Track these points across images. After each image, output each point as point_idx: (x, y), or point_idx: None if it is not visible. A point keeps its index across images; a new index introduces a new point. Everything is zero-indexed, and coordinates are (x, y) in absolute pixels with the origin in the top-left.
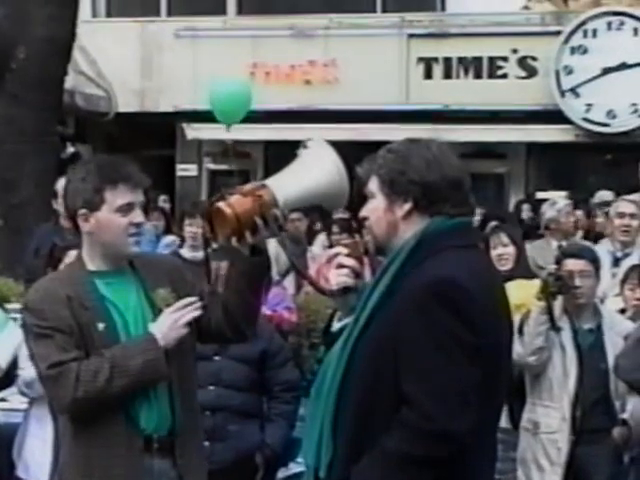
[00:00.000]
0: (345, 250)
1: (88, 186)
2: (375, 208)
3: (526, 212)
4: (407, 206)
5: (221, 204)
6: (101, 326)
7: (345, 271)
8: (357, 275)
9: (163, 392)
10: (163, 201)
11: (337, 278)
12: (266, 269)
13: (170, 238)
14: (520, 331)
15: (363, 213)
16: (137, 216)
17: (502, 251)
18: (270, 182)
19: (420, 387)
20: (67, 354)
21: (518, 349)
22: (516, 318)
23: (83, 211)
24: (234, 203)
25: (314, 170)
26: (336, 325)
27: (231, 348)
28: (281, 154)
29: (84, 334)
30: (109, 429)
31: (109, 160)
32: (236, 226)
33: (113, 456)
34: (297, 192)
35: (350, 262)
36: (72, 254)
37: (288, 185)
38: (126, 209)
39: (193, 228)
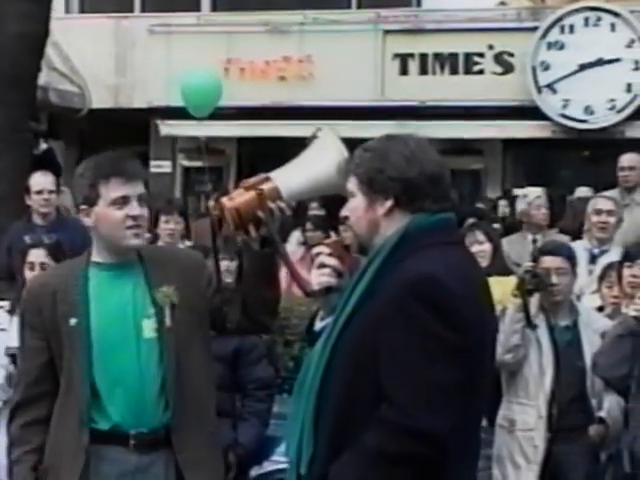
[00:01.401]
0: (327, 249)
1: (85, 182)
2: (355, 207)
3: (503, 208)
4: (388, 204)
5: (223, 199)
6: (72, 321)
7: (327, 271)
8: (339, 275)
9: (150, 390)
10: None
11: (319, 278)
12: (274, 261)
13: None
14: None
15: (344, 212)
16: (133, 208)
17: (478, 249)
18: (274, 174)
19: (399, 385)
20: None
21: None
22: None
23: (84, 207)
24: (235, 197)
25: (319, 161)
26: (319, 324)
27: None
28: (255, 151)
29: (55, 329)
30: (61, 424)
31: (107, 156)
32: (238, 220)
33: (62, 452)
34: (301, 183)
35: (332, 261)
36: (35, 253)
37: (292, 177)
38: (121, 202)
39: (170, 225)
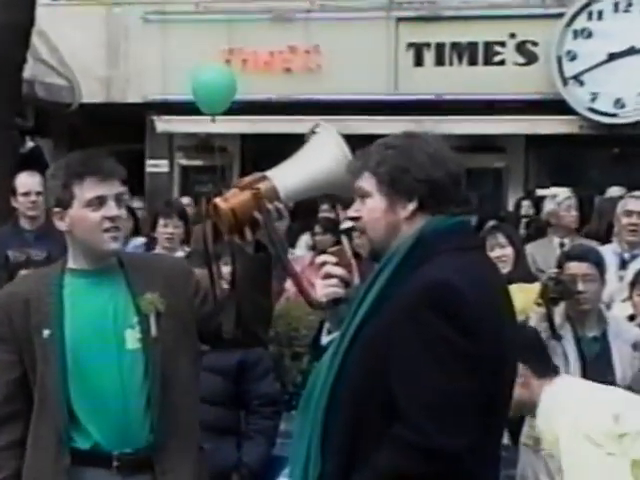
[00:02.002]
0: (333, 258)
1: (57, 183)
2: (372, 209)
3: (526, 210)
4: (411, 206)
5: (217, 200)
6: (46, 333)
7: (334, 281)
8: (347, 284)
9: (134, 406)
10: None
11: (325, 289)
12: (269, 266)
13: (139, 240)
14: None
15: (354, 213)
16: (110, 209)
17: (499, 253)
18: (271, 173)
19: (413, 401)
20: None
21: None
22: None
23: (57, 210)
24: (230, 197)
25: (318, 157)
26: (325, 338)
27: (205, 358)
28: (259, 148)
29: (28, 340)
30: (37, 445)
31: (80, 154)
32: (233, 222)
33: (41, 475)
34: (299, 182)
35: (339, 271)
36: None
37: (290, 175)
38: (97, 203)
39: (169, 229)
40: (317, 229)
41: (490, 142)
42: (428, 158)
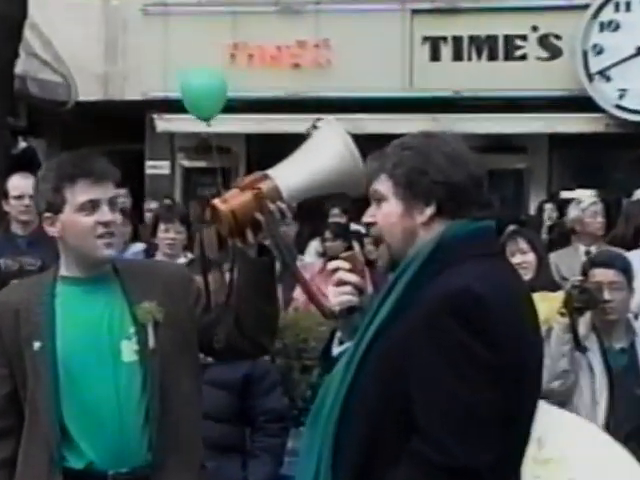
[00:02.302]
0: (346, 264)
1: (48, 186)
2: (388, 213)
3: (549, 213)
4: (429, 211)
5: (216, 201)
6: (36, 345)
7: (347, 288)
8: (360, 292)
9: (131, 422)
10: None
11: (339, 297)
12: (273, 270)
13: (139, 246)
14: None
15: (369, 218)
16: (104, 214)
17: (520, 259)
18: (272, 172)
19: (433, 415)
20: None
21: None
22: None
23: (47, 215)
24: (229, 199)
25: (322, 154)
26: (337, 349)
27: (208, 372)
28: (266, 149)
29: (18, 354)
30: (28, 464)
31: (71, 155)
32: (233, 224)
33: None
34: (303, 181)
35: (352, 278)
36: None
37: (292, 174)
38: (90, 207)
39: (170, 234)
40: (327, 235)
41: (511, 142)
42: (447, 159)
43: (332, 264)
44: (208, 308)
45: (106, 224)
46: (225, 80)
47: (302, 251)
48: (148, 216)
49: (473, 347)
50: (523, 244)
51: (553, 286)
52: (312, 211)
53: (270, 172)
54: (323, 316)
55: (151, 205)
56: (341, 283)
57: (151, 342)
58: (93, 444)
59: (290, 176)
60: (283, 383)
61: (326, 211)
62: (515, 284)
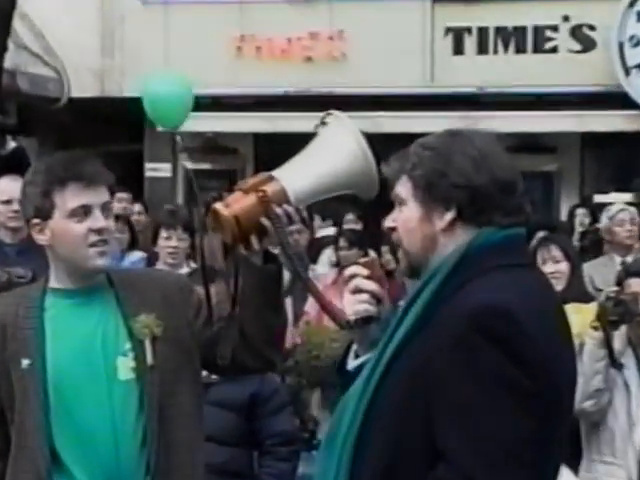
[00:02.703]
0: (365, 271)
1: (36, 190)
2: (407, 218)
3: (581, 219)
4: (449, 215)
5: (218, 205)
6: (25, 363)
7: (365, 297)
8: (379, 301)
9: (127, 445)
10: (118, 201)
11: (356, 306)
12: (279, 279)
13: (137, 254)
14: None
15: (390, 223)
16: (97, 221)
17: (552, 268)
18: (278, 173)
19: (460, 441)
20: None
21: None
22: None
23: (36, 221)
24: (232, 202)
25: (331, 152)
26: (352, 363)
27: (212, 391)
28: (275, 149)
29: (5, 372)
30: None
31: (61, 156)
32: (237, 230)
33: None
34: (311, 182)
35: (371, 286)
36: None
37: (300, 174)
38: (81, 213)
39: (172, 242)
40: (341, 243)
41: (540, 141)
42: (470, 161)
43: (349, 270)
44: (210, 321)
45: (99, 231)
46: (190, 85)
47: (314, 260)
48: (139, 220)
49: (505, 370)
50: (556, 252)
51: (586, 297)
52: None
53: (276, 173)
54: (337, 326)
55: (136, 208)
56: (358, 291)
57: (149, 359)
58: (86, 469)
59: (297, 177)
60: (294, 403)
61: (340, 217)
62: (548, 298)
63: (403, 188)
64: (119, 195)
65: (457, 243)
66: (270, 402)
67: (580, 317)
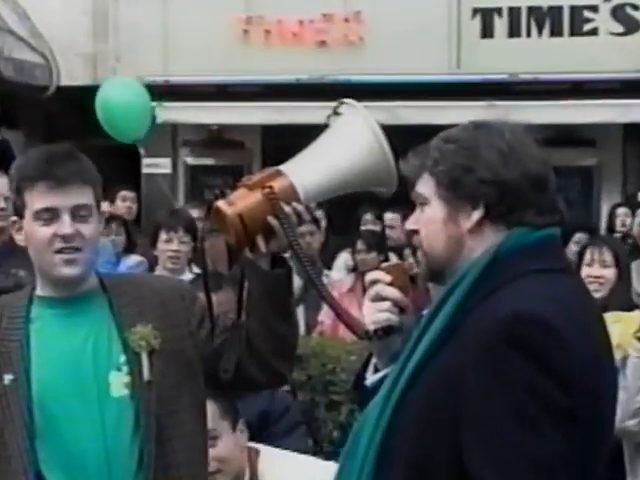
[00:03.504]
0: (387, 277)
1: (12, 185)
2: (430, 219)
3: (623, 219)
4: (476, 215)
5: (220, 203)
6: (7, 378)
7: (387, 305)
8: (401, 310)
9: (121, 468)
10: (122, 200)
11: (376, 315)
12: (289, 285)
13: (135, 259)
14: None
15: (411, 225)
16: (63, 226)
17: (599, 272)
18: (286, 167)
19: (490, 462)
20: None
21: None
22: None
23: (14, 219)
24: (236, 200)
25: (344, 145)
26: (372, 378)
27: None
28: (285, 143)
29: None
30: None
31: (39, 151)
32: (241, 231)
33: None
34: (323, 178)
35: (394, 293)
36: None
37: (310, 169)
38: (47, 217)
39: (173, 245)
40: (359, 245)
41: (578, 134)
42: (498, 154)
43: (370, 275)
44: (213, 333)
45: (66, 237)
46: (147, 95)
47: (329, 265)
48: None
49: (542, 386)
50: (607, 255)
51: (630, 304)
52: (341, 217)
53: (283, 168)
54: (354, 335)
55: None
56: (379, 298)
57: (145, 373)
58: None
59: (307, 172)
60: (307, 422)
61: (357, 217)
62: (586, 305)
63: (425, 186)
64: (122, 194)
65: (485, 245)
66: (281, 420)
67: (621, 326)
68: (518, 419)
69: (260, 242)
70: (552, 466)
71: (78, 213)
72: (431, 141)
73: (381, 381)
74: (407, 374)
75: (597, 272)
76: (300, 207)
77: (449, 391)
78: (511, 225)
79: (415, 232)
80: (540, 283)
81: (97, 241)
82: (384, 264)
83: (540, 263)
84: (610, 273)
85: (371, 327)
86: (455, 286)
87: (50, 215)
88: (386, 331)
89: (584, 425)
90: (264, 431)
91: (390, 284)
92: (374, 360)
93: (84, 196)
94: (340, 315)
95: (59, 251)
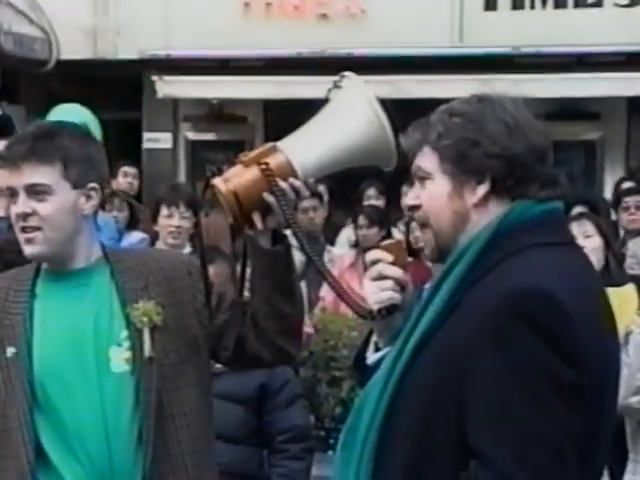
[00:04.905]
0: (388, 256)
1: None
2: (434, 194)
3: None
4: (482, 189)
5: (216, 180)
6: (10, 351)
7: (388, 284)
8: (402, 288)
9: (120, 444)
10: (124, 175)
11: (379, 294)
12: (289, 262)
13: (137, 235)
14: None
15: (413, 200)
16: (17, 205)
17: (582, 243)
18: (283, 143)
19: (498, 438)
20: None
21: None
22: None
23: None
24: (232, 177)
25: (343, 119)
26: (373, 356)
27: (217, 382)
28: (286, 118)
29: None
30: None
31: (24, 130)
32: (237, 208)
33: None
34: (320, 153)
35: (395, 272)
36: None
37: (307, 144)
38: (9, 195)
39: (174, 220)
40: (361, 221)
41: (581, 107)
42: (504, 127)
43: (370, 255)
44: (209, 307)
45: (21, 216)
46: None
47: (332, 241)
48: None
49: (548, 361)
50: (588, 226)
51: (621, 280)
52: (343, 193)
53: (280, 143)
54: (357, 316)
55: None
56: (381, 277)
57: (147, 349)
58: (74, 470)
59: (304, 147)
60: (308, 398)
61: (360, 193)
62: (590, 279)
63: (427, 161)
64: (124, 169)
65: (490, 219)
66: (281, 394)
67: (621, 302)
68: (526, 395)
69: (257, 219)
70: (560, 441)
71: (33, 192)
72: (431, 114)
73: (382, 359)
74: (408, 351)
75: (580, 243)
76: (297, 183)
77: (453, 369)
78: (515, 199)
79: (416, 207)
80: (544, 257)
81: (63, 219)
82: (384, 242)
83: (544, 236)
84: (593, 242)
85: (375, 307)
86: (457, 261)
87: (11, 194)
88: (389, 310)
89: (589, 399)
90: (264, 404)
91: (392, 263)
92: (374, 338)
93: (40, 175)
94: (341, 295)
95: (22, 230)
